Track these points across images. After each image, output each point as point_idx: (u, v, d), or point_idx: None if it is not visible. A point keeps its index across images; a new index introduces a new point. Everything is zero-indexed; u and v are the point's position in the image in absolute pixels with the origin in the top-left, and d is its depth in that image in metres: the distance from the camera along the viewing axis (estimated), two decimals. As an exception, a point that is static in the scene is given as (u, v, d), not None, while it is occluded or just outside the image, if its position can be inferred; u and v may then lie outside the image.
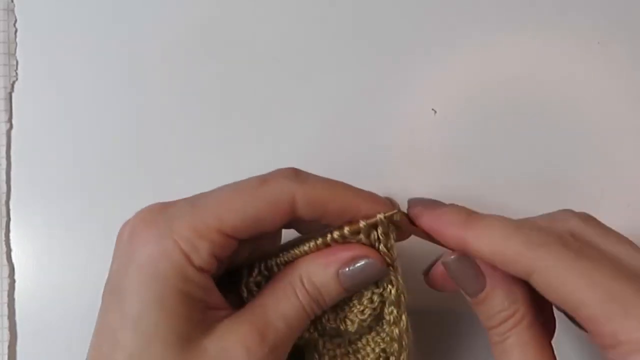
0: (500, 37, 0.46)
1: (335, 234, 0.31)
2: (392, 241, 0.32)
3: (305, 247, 0.31)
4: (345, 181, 0.40)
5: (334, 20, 0.46)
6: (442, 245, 0.33)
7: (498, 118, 0.45)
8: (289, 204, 0.30)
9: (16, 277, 0.43)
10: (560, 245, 0.30)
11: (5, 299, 0.42)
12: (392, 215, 0.32)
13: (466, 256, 0.32)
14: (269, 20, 0.46)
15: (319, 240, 0.31)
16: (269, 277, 0.32)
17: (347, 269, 0.31)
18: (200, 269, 0.29)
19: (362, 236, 0.31)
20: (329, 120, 0.45)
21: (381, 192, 0.43)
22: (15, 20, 0.45)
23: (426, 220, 0.33)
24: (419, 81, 0.45)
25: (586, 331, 0.31)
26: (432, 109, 0.45)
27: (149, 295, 0.28)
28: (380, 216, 0.31)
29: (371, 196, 0.32)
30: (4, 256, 0.42)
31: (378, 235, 0.31)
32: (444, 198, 0.44)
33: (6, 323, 0.42)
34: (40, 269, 0.43)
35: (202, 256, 0.28)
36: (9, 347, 0.41)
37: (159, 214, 0.29)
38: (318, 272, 0.31)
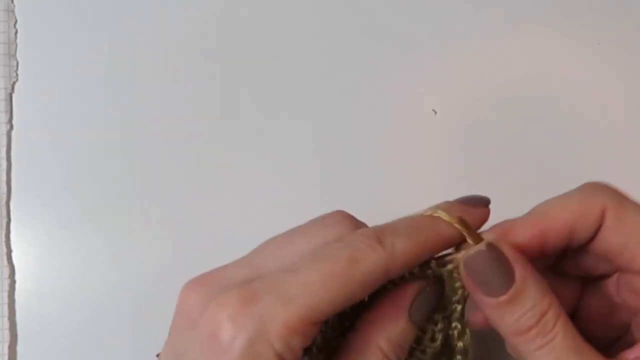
0: (500, 37, 0.46)
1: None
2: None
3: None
4: (345, 180, 0.40)
5: (334, 20, 0.46)
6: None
7: (498, 118, 0.45)
8: (382, 279, 0.29)
9: (16, 278, 0.43)
10: (618, 191, 0.31)
11: (6, 300, 0.42)
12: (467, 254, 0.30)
13: (490, 245, 0.29)
14: (268, 21, 0.46)
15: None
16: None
17: (414, 306, 0.30)
18: None
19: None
20: (328, 120, 0.45)
21: (379, 191, 0.43)
22: (16, 21, 0.45)
23: (496, 234, 0.31)
24: (419, 81, 0.45)
25: None
26: (432, 109, 0.45)
27: None
28: (457, 256, 0.31)
29: (449, 228, 0.31)
30: (4, 257, 0.42)
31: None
32: (444, 198, 0.44)
33: (6, 324, 0.42)
34: (40, 270, 0.43)
35: (294, 352, 0.27)
36: (9, 347, 0.41)
37: (249, 309, 0.27)
38: (390, 329, 0.29)
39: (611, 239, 0.30)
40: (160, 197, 0.44)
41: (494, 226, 0.32)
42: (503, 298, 0.29)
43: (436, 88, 0.45)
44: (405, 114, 0.45)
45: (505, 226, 0.31)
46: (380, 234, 0.29)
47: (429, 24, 0.46)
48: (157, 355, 0.32)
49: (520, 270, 0.29)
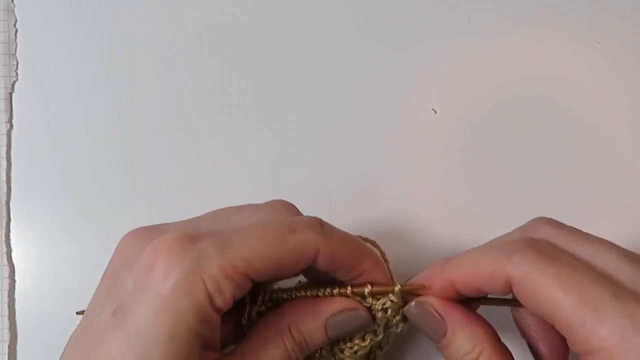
0: (500, 37, 0.46)
1: (341, 291, 0.33)
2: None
3: (319, 293, 0.33)
4: (345, 181, 0.40)
5: (334, 20, 0.46)
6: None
7: (498, 118, 0.45)
8: (312, 256, 0.30)
9: (16, 277, 0.43)
10: (533, 251, 0.30)
11: (6, 299, 0.42)
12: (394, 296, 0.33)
13: (422, 302, 0.33)
14: (268, 21, 0.46)
15: (336, 291, 0.33)
16: (272, 308, 0.33)
17: (334, 319, 0.32)
18: (218, 310, 0.29)
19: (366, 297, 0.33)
20: (329, 120, 0.45)
21: (380, 191, 0.43)
22: (16, 21, 0.45)
23: (420, 282, 0.34)
24: (419, 81, 0.45)
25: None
26: (432, 109, 0.45)
27: (161, 331, 0.27)
28: (391, 297, 0.33)
29: (380, 268, 0.33)
30: (4, 257, 0.42)
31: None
32: (443, 198, 0.44)
33: (6, 323, 0.42)
34: (40, 270, 0.43)
35: (224, 297, 0.28)
36: (9, 347, 0.41)
37: (189, 246, 0.29)
38: (306, 322, 0.32)
39: (525, 304, 0.31)
40: (160, 196, 0.44)
41: (418, 276, 0.34)
42: (440, 345, 0.32)
43: (436, 88, 0.45)
44: (405, 113, 0.45)
45: (422, 277, 0.33)
46: (324, 222, 0.31)
47: (429, 24, 0.46)
48: (78, 313, 0.33)
49: (451, 323, 0.32)
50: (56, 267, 0.43)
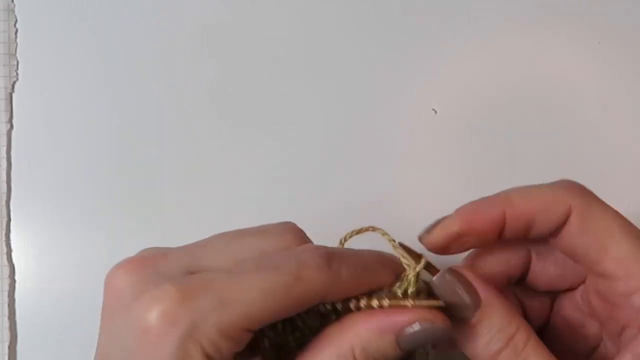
0: (500, 37, 0.46)
1: (385, 302, 0.28)
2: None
3: (350, 305, 0.29)
4: (345, 180, 0.40)
5: (334, 21, 0.46)
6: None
7: (498, 118, 0.45)
8: (319, 300, 0.28)
9: (16, 277, 0.43)
10: (591, 193, 0.32)
11: (6, 299, 0.42)
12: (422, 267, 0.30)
13: (454, 270, 0.30)
14: (268, 21, 0.46)
15: (374, 302, 0.28)
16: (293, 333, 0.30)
17: (407, 333, 0.28)
18: None
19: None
20: (328, 121, 0.45)
21: (379, 191, 0.43)
22: (16, 21, 0.45)
23: (463, 216, 0.31)
24: (419, 81, 0.45)
25: None
26: (432, 109, 0.45)
27: None
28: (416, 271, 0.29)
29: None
30: (4, 257, 0.42)
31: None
32: (443, 198, 0.44)
33: (6, 323, 0.42)
34: (40, 270, 0.43)
35: (223, 355, 0.27)
36: (9, 347, 0.41)
37: (184, 308, 0.26)
38: (374, 341, 0.28)
39: (575, 239, 0.31)
40: (160, 196, 0.44)
41: (459, 210, 0.32)
42: (472, 322, 0.29)
43: (436, 88, 0.45)
44: (405, 113, 0.45)
45: (469, 209, 0.31)
46: (331, 256, 0.28)
47: (429, 24, 0.46)
48: None
49: (485, 293, 0.29)
50: (56, 267, 0.43)
